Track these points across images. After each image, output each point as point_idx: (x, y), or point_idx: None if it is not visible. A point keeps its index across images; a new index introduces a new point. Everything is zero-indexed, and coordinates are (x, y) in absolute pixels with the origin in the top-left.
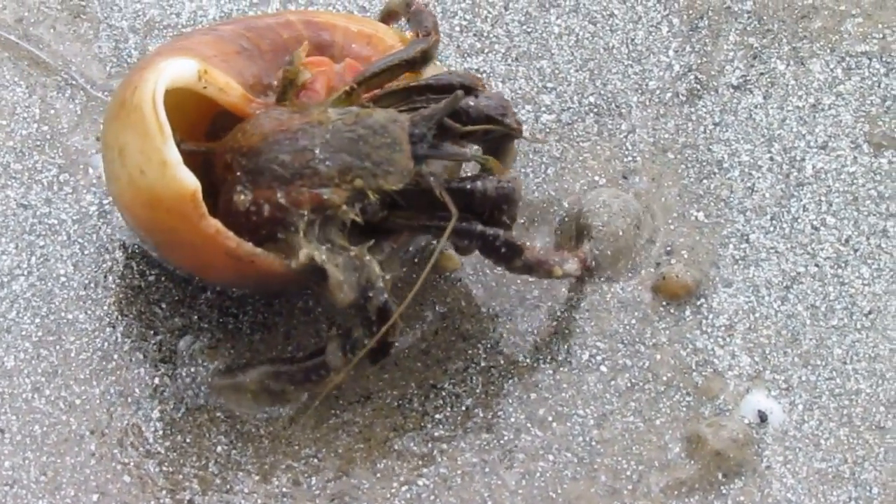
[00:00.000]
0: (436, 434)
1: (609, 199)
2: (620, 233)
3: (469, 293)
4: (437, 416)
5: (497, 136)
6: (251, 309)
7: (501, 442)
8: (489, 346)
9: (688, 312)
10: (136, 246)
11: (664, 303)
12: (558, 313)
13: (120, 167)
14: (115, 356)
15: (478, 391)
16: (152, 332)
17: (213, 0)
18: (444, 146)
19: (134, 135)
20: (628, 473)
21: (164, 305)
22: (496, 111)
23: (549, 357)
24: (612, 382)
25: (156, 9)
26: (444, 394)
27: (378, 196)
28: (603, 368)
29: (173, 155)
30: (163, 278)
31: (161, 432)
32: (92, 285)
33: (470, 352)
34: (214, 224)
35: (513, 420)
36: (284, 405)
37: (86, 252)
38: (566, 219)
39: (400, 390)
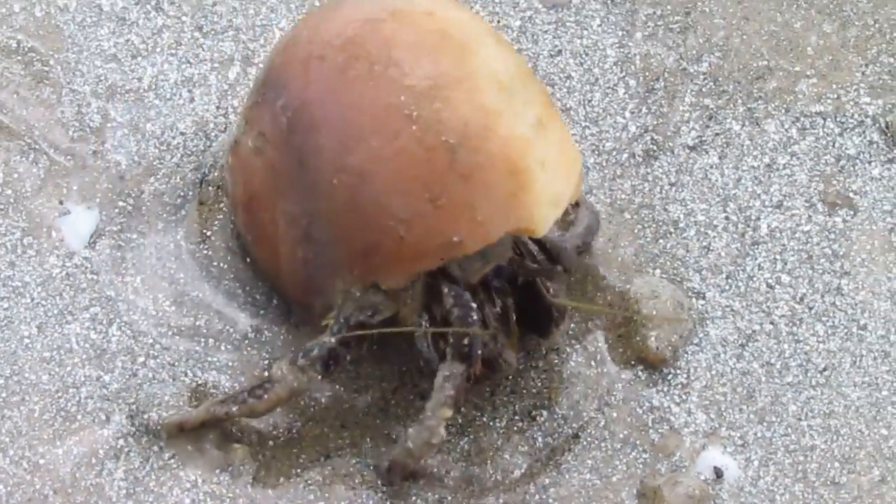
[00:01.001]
0: (394, 491)
1: None
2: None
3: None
4: None
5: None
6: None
7: (459, 498)
8: None
9: (643, 370)
10: (98, 309)
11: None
12: (515, 373)
13: None
14: (79, 416)
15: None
16: (116, 392)
17: (173, 65)
18: None
19: None
20: None
21: (128, 365)
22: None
23: (505, 416)
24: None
25: (117, 73)
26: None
27: None
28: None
29: None
30: (127, 337)
31: (124, 491)
32: (55, 347)
33: None
34: None
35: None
36: (232, 455)
37: (49, 314)
38: None
39: (359, 447)
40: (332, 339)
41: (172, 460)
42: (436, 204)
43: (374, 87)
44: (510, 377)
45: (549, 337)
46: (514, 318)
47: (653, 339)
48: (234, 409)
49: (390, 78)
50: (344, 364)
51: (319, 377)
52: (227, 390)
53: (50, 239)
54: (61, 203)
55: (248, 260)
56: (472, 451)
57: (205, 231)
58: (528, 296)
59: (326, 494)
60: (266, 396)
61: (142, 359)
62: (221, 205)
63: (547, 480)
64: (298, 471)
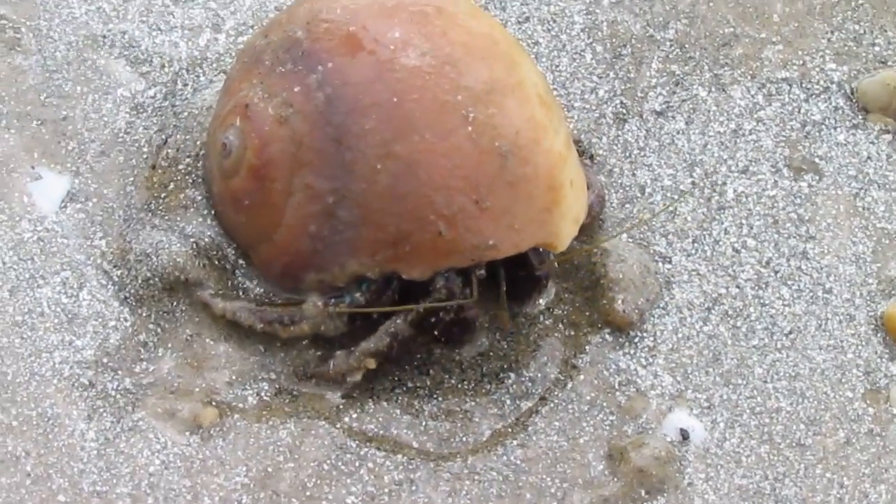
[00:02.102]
0: (363, 453)
1: None
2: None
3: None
4: (366, 427)
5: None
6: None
7: (427, 460)
8: (417, 364)
9: (610, 333)
10: (69, 273)
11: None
12: (483, 336)
13: None
14: (54, 380)
15: (405, 409)
16: (89, 353)
17: (144, 31)
18: None
19: None
20: (553, 491)
21: (99, 329)
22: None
23: (473, 378)
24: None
25: (88, 40)
26: (371, 409)
27: None
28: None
29: None
30: (98, 302)
31: (95, 452)
32: (27, 311)
33: (398, 373)
34: None
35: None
36: (202, 417)
37: (21, 278)
38: None
39: (328, 410)
40: (361, 297)
41: (143, 422)
42: (480, 206)
43: (432, 81)
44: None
45: (532, 303)
46: (504, 288)
47: (620, 302)
48: (260, 325)
49: (447, 75)
50: (369, 319)
51: (344, 328)
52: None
53: (22, 204)
54: (33, 168)
55: (216, 220)
56: (441, 414)
57: (159, 195)
58: (510, 263)
59: (296, 456)
60: (292, 328)
61: (113, 323)
62: (181, 166)
63: (514, 442)
64: (267, 432)
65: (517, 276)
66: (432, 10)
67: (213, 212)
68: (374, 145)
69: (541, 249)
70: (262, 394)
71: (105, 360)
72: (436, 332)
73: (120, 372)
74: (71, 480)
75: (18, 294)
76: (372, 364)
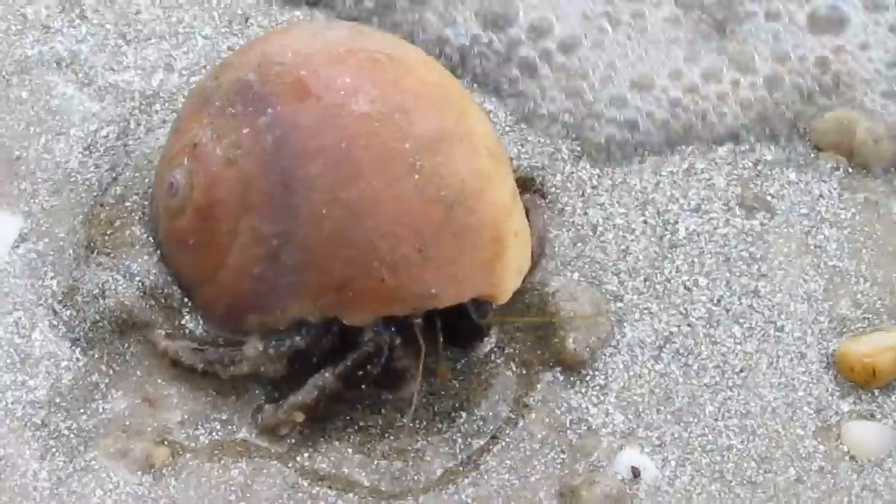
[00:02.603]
0: (314, 492)
1: None
2: None
3: None
4: (318, 466)
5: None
6: None
7: (380, 499)
8: (369, 403)
9: (561, 372)
10: (21, 313)
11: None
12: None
13: None
14: (7, 420)
15: (357, 448)
16: (41, 394)
17: (97, 71)
18: None
19: None
20: None
21: (52, 369)
22: None
23: (425, 417)
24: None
25: (40, 80)
26: (323, 448)
27: None
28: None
29: None
30: (49, 342)
31: (48, 492)
32: None
33: (349, 412)
34: None
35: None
36: (155, 456)
37: None
38: None
39: (280, 450)
40: (302, 341)
41: (95, 461)
42: (424, 254)
43: (380, 128)
44: (433, 380)
45: (473, 350)
46: (441, 339)
47: (571, 340)
48: (200, 365)
49: (396, 123)
50: (308, 364)
51: (284, 371)
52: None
53: None
54: None
55: (161, 260)
56: (393, 452)
57: (105, 231)
58: (450, 313)
59: (248, 495)
60: (232, 368)
61: (65, 363)
62: (127, 203)
63: (466, 481)
64: (220, 471)
65: (458, 324)
66: (384, 58)
67: (158, 251)
68: (320, 190)
69: (481, 303)
70: (214, 433)
71: (57, 401)
72: (363, 387)
73: (72, 412)
74: None
75: None
76: (300, 417)
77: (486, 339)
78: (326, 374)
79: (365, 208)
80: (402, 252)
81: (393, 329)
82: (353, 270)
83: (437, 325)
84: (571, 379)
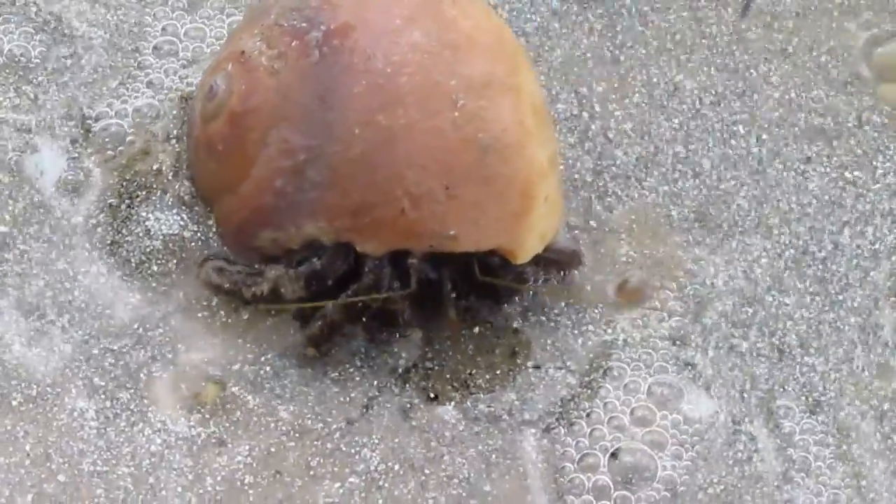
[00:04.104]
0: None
1: None
2: None
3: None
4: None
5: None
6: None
7: None
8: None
9: None
10: (73, 253)
11: None
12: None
13: None
14: (54, 360)
15: None
16: (89, 330)
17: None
18: None
19: None
20: None
21: (100, 307)
22: None
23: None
24: None
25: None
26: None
27: None
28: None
29: None
30: (98, 284)
31: (95, 431)
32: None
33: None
34: None
35: None
36: (203, 395)
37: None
38: None
39: (331, 386)
40: (318, 262)
41: (142, 400)
42: (449, 193)
43: (428, 59)
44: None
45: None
46: (448, 287)
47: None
48: (226, 284)
49: (446, 59)
50: (325, 285)
51: (303, 291)
52: None
53: None
54: None
55: (190, 171)
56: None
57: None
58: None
59: (297, 435)
60: (253, 288)
61: (112, 301)
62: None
63: None
64: (270, 409)
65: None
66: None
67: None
68: (358, 110)
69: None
70: (263, 373)
71: (105, 340)
72: (363, 319)
73: (120, 350)
74: (71, 460)
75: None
76: (311, 352)
77: (500, 303)
78: (329, 307)
79: (398, 135)
80: (427, 186)
81: (389, 269)
82: (375, 196)
83: (443, 274)
84: None
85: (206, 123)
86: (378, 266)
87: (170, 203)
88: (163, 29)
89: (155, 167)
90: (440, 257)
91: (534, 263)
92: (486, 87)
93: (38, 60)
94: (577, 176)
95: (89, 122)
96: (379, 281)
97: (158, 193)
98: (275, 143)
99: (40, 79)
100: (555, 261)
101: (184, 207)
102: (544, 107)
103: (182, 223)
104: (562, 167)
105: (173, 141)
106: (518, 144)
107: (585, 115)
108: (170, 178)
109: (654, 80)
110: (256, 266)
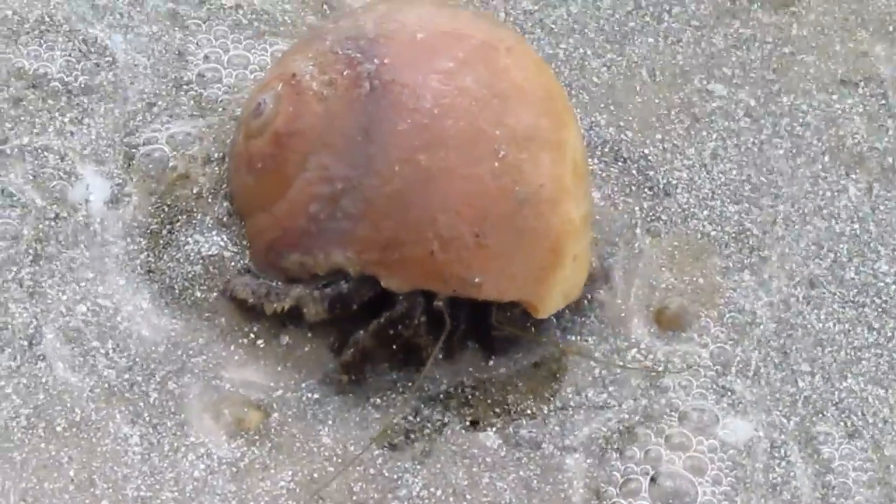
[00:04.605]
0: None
1: None
2: None
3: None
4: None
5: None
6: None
7: None
8: None
9: None
10: (114, 279)
11: None
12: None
13: None
14: (98, 385)
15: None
16: (133, 357)
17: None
18: None
19: None
20: None
21: (142, 333)
22: None
23: None
24: None
25: None
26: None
27: None
28: None
29: None
30: (140, 310)
31: (139, 456)
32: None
33: None
34: None
35: None
36: (247, 421)
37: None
38: None
39: (374, 415)
40: (345, 286)
41: (186, 426)
42: (479, 240)
43: (476, 106)
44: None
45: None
46: (448, 327)
47: None
48: (251, 298)
49: (493, 107)
50: (348, 311)
51: (326, 314)
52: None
53: None
54: None
55: (228, 185)
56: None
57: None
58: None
59: (339, 460)
60: (275, 304)
61: (155, 328)
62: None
63: None
64: (312, 435)
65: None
66: (503, 48)
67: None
68: (400, 147)
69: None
70: (305, 399)
71: (148, 365)
72: (394, 346)
73: (162, 376)
74: (115, 486)
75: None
76: (345, 379)
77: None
78: (361, 332)
79: (437, 177)
80: (459, 231)
81: (422, 301)
82: (406, 234)
83: (460, 316)
84: None
85: (248, 140)
86: (412, 295)
87: (210, 225)
88: (205, 56)
89: (195, 191)
90: (460, 299)
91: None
92: (529, 140)
93: (82, 87)
94: (616, 197)
95: (132, 149)
96: (412, 310)
97: (199, 217)
98: (314, 169)
99: (84, 105)
100: None
101: (223, 228)
102: (585, 164)
103: (221, 243)
104: (603, 194)
105: (213, 164)
106: (554, 200)
107: (625, 137)
108: (209, 200)
109: (693, 98)
110: (281, 284)
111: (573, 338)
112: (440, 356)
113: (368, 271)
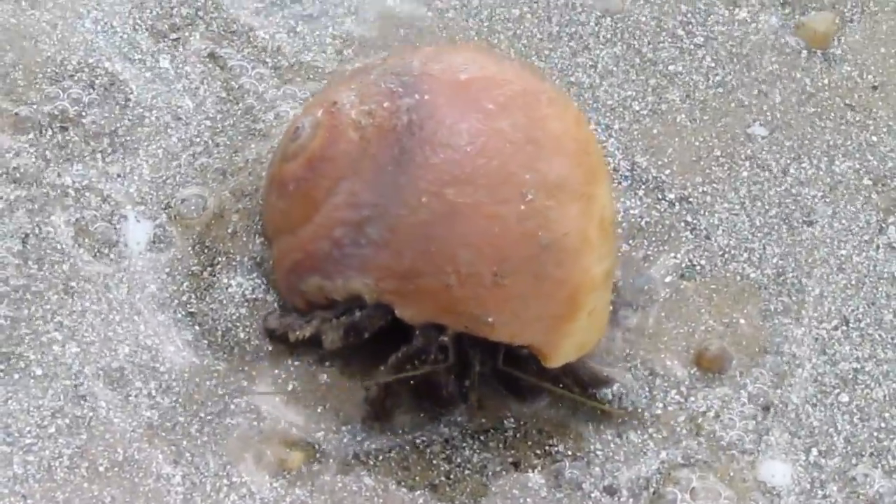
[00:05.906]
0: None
1: None
2: None
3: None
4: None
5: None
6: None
7: None
8: None
9: None
10: (156, 311)
11: None
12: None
13: None
14: (141, 425)
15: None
16: (175, 398)
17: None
18: None
19: None
20: None
21: (184, 373)
22: None
23: None
24: None
25: None
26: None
27: None
28: None
29: None
30: (181, 351)
31: (182, 496)
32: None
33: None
34: None
35: None
36: (289, 461)
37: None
38: None
39: (410, 450)
40: (359, 314)
41: (228, 466)
42: (496, 280)
43: (510, 148)
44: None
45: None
46: (477, 368)
47: None
48: (279, 329)
49: (527, 152)
50: (361, 338)
51: (339, 342)
52: None
53: None
54: None
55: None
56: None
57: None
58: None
59: (381, 501)
60: (297, 332)
61: (197, 368)
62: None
63: None
64: (353, 475)
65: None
66: (544, 98)
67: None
68: (429, 179)
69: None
70: (346, 439)
71: (190, 406)
72: (412, 381)
73: (205, 416)
74: None
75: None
76: (376, 427)
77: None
78: (381, 368)
79: (462, 213)
80: (478, 268)
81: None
82: (426, 266)
83: (473, 356)
84: None
85: (284, 162)
86: (428, 329)
87: (249, 267)
88: (243, 96)
89: (230, 230)
90: (472, 338)
91: (562, 371)
92: (558, 189)
93: (124, 130)
94: (652, 235)
95: (173, 191)
96: (430, 344)
97: (238, 258)
98: (343, 194)
99: (127, 147)
100: (581, 378)
101: (259, 268)
102: (614, 224)
103: (264, 286)
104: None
105: (246, 199)
106: (576, 252)
107: (664, 178)
108: (244, 239)
109: (729, 136)
110: (306, 313)
111: (617, 383)
112: (465, 398)
113: (384, 300)
